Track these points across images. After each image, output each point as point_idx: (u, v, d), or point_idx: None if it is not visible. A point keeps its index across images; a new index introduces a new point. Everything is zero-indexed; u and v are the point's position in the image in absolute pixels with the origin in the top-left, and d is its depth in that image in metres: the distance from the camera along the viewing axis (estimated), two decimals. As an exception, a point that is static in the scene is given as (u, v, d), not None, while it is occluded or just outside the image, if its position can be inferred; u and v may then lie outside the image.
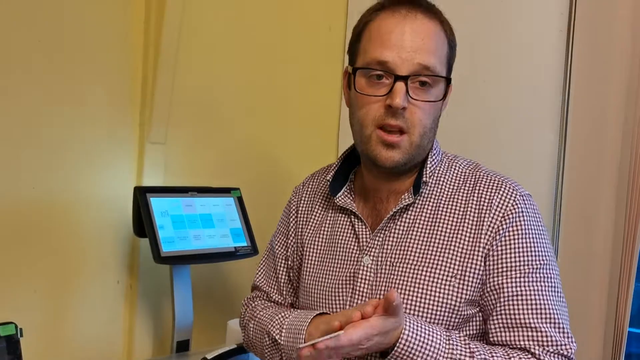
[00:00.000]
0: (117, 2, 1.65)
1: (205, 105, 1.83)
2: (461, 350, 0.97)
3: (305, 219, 1.23)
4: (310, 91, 2.01)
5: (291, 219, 1.26)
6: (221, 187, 1.66)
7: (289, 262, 1.25)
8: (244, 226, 1.62)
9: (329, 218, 1.19)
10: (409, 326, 0.95)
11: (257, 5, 1.91)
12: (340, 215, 1.16)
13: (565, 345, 0.99)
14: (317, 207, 1.22)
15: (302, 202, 1.26)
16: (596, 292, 1.61)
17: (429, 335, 0.97)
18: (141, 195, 1.48)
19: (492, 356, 0.98)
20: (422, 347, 0.95)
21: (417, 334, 0.96)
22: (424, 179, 1.07)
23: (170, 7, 1.67)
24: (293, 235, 1.25)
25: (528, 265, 1.02)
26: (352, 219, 1.13)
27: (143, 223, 1.46)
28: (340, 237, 1.14)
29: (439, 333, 0.98)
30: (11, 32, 1.45)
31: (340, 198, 1.14)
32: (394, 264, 1.06)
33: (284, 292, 1.26)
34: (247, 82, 1.89)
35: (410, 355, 0.95)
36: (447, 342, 0.97)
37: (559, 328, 1.00)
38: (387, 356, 0.96)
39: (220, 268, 1.82)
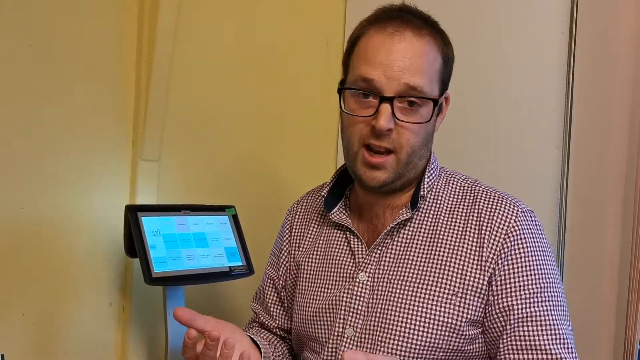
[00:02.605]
0: (108, 18, 1.63)
1: (200, 121, 1.80)
2: None
3: (300, 237, 1.21)
4: (308, 107, 1.97)
5: (284, 239, 1.24)
6: (215, 204, 1.62)
7: (281, 282, 1.22)
8: (239, 245, 1.57)
9: (323, 235, 1.16)
10: None
11: (253, 19, 1.88)
12: (335, 231, 1.14)
13: None
14: (312, 224, 1.20)
15: (297, 220, 1.23)
16: (604, 308, 1.56)
17: None
18: (132, 214, 1.43)
19: None
20: None
21: None
22: (422, 193, 1.04)
23: (163, 22, 1.65)
24: (286, 255, 1.22)
25: (535, 284, 0.98)
26: (348, 235, 1.10)
27: (134, 243, 1.42)
28: (335, 254, 1.11)
29: None
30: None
31: (335, 214, 1.12)
32: (392, 280, 1.02)
33: (274, 315, 1.24)
34: (243, 97, 1.86)
35: None
36: None
37: (566, 347, 0.97)
38: None
39: (215, 288, 1.77)
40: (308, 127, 1.98)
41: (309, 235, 1.19)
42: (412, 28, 1.01)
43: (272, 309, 1.25)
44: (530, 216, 1.04)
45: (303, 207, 1.24)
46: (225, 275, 1.52)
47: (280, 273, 1.23)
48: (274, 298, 1.25)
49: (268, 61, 1.91)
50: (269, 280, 1.26)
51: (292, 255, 1.21)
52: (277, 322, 1.24)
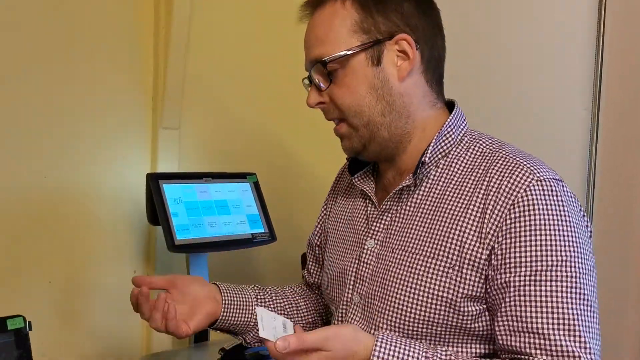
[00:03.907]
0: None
1: (219, 88, 1.78)
2: None
3: (333, 201, 1.21)
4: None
5: (326, 198, 1.25)
6: (237, 172, 1.61)
7: (316, 241, 1.24)
8: (261, 212, 1.57)
9: (350, 200, 1.15)
10: (381, 340, 0.86)
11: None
12: (360, 197, 1.11)
13: (579, 357, 0.84)
14: (345, 189, 1.19)
15: (339, 182, 1.23)
16: (635, 293, 1.45)
17: (405, 350, 0.86)
18: (153, 182, 1.43)
19: None
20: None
21: (390, 351, 0.86)
22: (424, 159, 0.98)
23: (181, -12, 1.62)
24: (322, 215, 1.24)
25: (540, 262, 0.87)
26: (366, 201, 1.08)
27: (156, 211, 1.42)
28: (354, 219, 1.10)
29: (418, 350, 0.87)
30: (22, 18, 1.42)
31: (357, 178, 1.09)
32: (394, 250, 0.99)
33: (310, 271, 1.27)
34: (261, 64, 1.83)
35: None
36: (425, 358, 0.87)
37: (574, 335, 0.85)
38: None
39: (238, 255, 1.77)
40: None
41: (340, 199, 1.18)
42: (312, 4, 1.02)
43: (310, 266, 1.27)
44: (551, 185, 0.91)
45: (346, 170, 1.22)
46: (248, 242, 1.52)
47: (316, 232, 1.25)
48: (311, 256, 1.27)
49: (286, 29, 1.87)
50: (309, 240, 1.28)
51: (326, 217, 1.22)
52: (314, 278, 1.26)
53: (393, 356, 0.85)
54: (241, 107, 1.82)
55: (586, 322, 0.86)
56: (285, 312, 1.20)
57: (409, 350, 0.86)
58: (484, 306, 0.93)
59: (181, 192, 1.46)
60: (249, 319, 1.14)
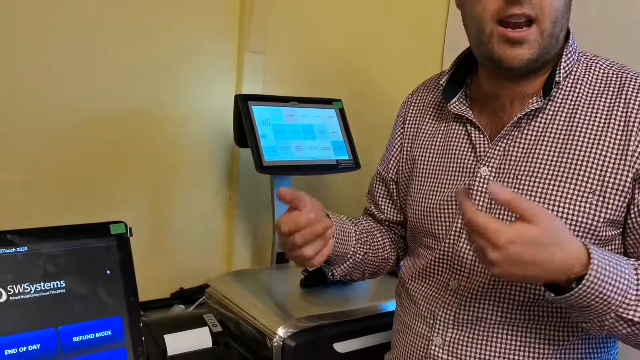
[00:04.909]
0: None
1: (306, 14, 1.75)
2: None
3: (415, 130, 1.15)
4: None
5: (397, 132, 1.19)
6: (323, 97, 1.59)
7: (390, 175, 1.19)
8: (346, 139, 1.56)
9: (442, 128, 1.09)
10: (595, 251, 0.79)
11: None
12: (454, 124, 1.06)
13: None
14: (428, 117, 1.13)
15: (411, 113, 1.17)
16: None
17: (616, 265, 0.80)
18: (242, 102, 1.43)
19: None
20: (612, 280, 0.79)
21: (604, 265, 0.78)
22: (557, 78, 0.94)
23: None
24: (398, 148, 1.18)
25: None
26: (469, 128, 1.03)
27: (244, 132, 1.43)
28: (455, 148, 1.04)
29: (623, 262, 0.83)
30: None
31: (454, 104, 1.04)
32: (519, 176, 0.95)
33: (382, 207, 1.22)
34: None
35: (599, 291, 0.79)
36: (635, 271, 0.83)
37: None
38: (565, 291, 0.80)
39: (320, 181, 1.78)
40: (415, 17, 1.88)
41: (425, 129, 1.13)
42: None
43: (380, 202, 1.22)
44: None
45: (418, 98, 1.17)
46: (333, 168, 1.52)
47: (390, 167, 1.19)
48: (382, 191, 1.22)
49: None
50: (377, 175, 1.23)
51: (406, 150, 1.16)
52: (385, 214, 1.22)
53: (607, 261, 0.80)
54: (327, 34, 1.79)
55: None
56: (371, 247, 1.18)
57: (616, 259, 0.82)
58: (620, 230, 0.92)
59: (269, 114, 1.47)
60: (347, 250, 1.10)
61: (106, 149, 1.49)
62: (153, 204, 1.58)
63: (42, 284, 1.00)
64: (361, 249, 1.14)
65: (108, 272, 1.07)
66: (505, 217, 0.95)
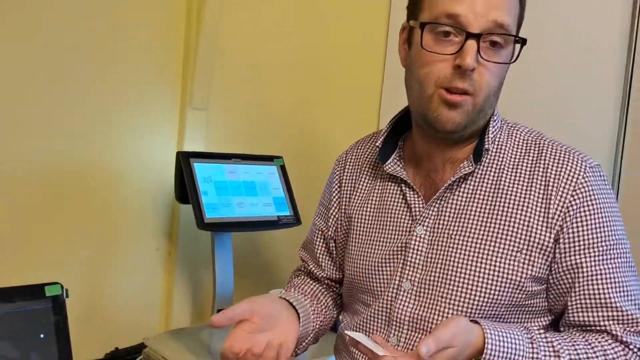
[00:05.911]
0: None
1: (248, 72, 1.79)
2: (545, 352, 0.92)
3: (351, 189, 1.18)
4: (353, 57, 1.95)
5: (334, 190, 1.21)
6: (264, 154, 1.62)
7: (330, 233, 1.20)
8: (287, 195, 1.58)
9: (377, 187, 1.13)
10: (490, 332, 0.90)
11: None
12: (389, 184, 1.10)
13: (637, 318, 0.95)
14: (363, 176, 1.16)
15: (347, 171, 1.20)
16: None
17: (512, 340, 0.91)
18: (184, 159, 1.44)
19: (576, 349, 0.93)
20: (507, 354, 0.90)
21: (500, 342, 0.89)
22: (486, 145, 1.00)
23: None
24: (336, 206, 1.20)
25: (605, 242, 0.96)
26: (403, 188, 1.07)
27: (186, 189, 1.43)
28: (391, 207, 1.08)
29: (520, 337, 0.92)
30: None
31: (389, 165, 1.08)
32: (452, 235, 1.00)
33: (322, 265, 1.23)
34: (289, 48, 1.85)
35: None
36: (530, 345, 0.92)
37: (634, 303, 0.96)
38: None
39: (261, 237, 1.79)
40: (353, 78, 1.96)
41: (360, 188, 1.16)
42: None
43: (320, 259, 1.23)
44: (599, 171, 1.00)
45: (353, 157, 1.21)
46: (274, 224, 1.54)
47: (330, 224, 1.20)
48: (323, 249, 1.23)
49: (315, 12, 1.88)
50: (318, 231, 1.24)
51: (343, 208, 1.18)
52: (326, 272, 1.23)
53: (503, 342, 0.90)
54: (269, 92, 1.83)
55: (637, 289, 0.98)
56: (322, 314, 1.19)
57: (513, 336, 0.91)
58: (544, 285, 0.99)
59: (211, 171, 1.48)
60: (308, 330, 1.12)
61: (42, 204, 1.46)
62: (90, 261, 1.54)
63: (-29, 350, 0.96)
64: (317, 320, 1.16)
65: (41, 336, 1.04)
66: (442, 271, 1.00)
